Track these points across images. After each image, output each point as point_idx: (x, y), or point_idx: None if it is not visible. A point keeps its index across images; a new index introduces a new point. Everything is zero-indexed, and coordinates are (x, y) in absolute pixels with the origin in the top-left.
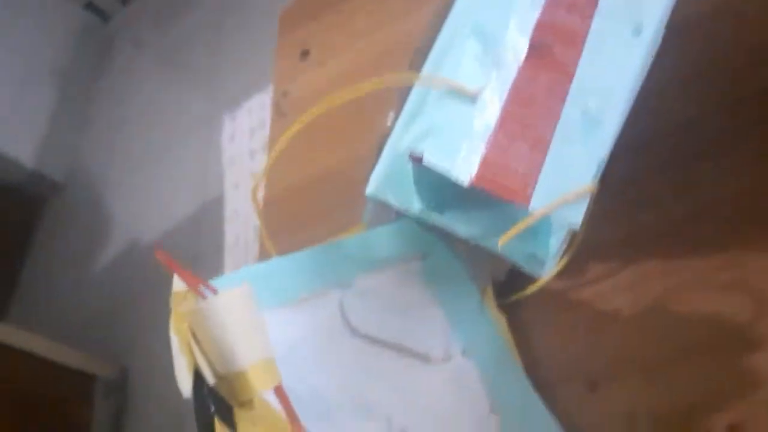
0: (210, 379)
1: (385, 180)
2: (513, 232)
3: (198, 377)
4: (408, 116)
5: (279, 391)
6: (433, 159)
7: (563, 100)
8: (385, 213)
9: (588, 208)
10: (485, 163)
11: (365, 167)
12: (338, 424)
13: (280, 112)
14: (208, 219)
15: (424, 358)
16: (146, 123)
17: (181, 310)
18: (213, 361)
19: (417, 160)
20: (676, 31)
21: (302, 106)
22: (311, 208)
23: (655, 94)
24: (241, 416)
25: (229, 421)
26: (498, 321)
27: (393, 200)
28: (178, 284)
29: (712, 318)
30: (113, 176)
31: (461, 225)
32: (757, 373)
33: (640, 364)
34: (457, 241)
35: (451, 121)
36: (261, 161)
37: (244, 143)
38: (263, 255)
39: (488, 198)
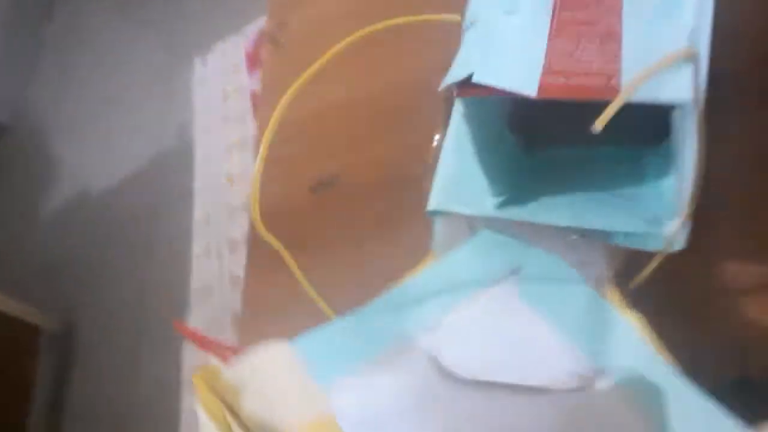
0: None
1: (446, 190)
2: (610, 111)
3: None
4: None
5: None
6: (486, 78)
7: None
8: (458, 230)
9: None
10: (550, 72)
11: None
12: None
13: (277, 43)
14: (170, 167)
15: (552, 392)
16: (103, 69)
17: (209, 385)
18: None
19: (467, 88)
20: None
21: (302, 39)
22: (365, 222)
23: None
24: None
25: None
26: (633, 321)
27: (460, 208)
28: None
29: None
30: (64, 123)
31: (551, 212)
32: None
33: None
34: (550, 240)
35: (497, 44)
36: (234, 106)
37: (217, 87)
38: (230, 207)
39: (571, 168)
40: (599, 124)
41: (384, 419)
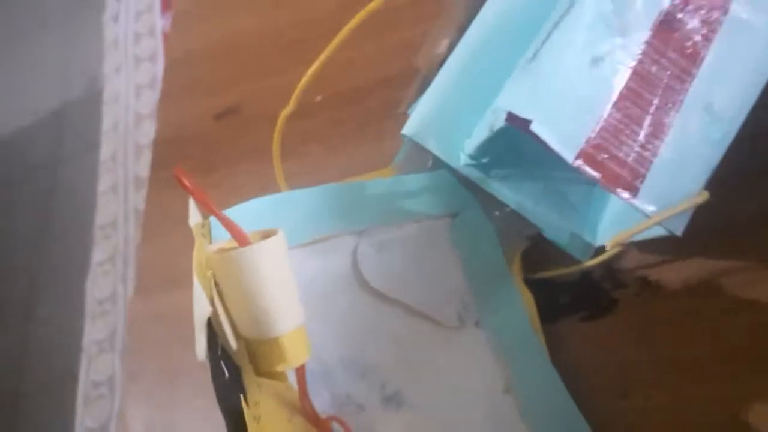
0: (232, 343)
1: (430, 122)
2: (626, 235)
3: (212, 333)
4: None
5: (301, 369)
6: (540, 129)
7: (687, 87)
8: (421, 158)
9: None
10: (595, 143)
11: (395, 92)
12: (331, 376)
13: None
14: (77, 107)
15: (435, 323)
16: (8, 2)
17: (207, 249)
18: (238, 321)
19: (520, 124)
20: None
21: None
22: (328, 136)
23: None
24: (248, 379)
25: (239, 383)
26: (523, 294)
27: (435, 148)
28: (194, 212)
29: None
30: None
31: (506, 189)
32: None
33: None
34: (491, 203)
35: (563, 86)
36: (146, 46)
37: (129, 26)
38: (138, 146)
39: (550, 172)
40: (612, 245)
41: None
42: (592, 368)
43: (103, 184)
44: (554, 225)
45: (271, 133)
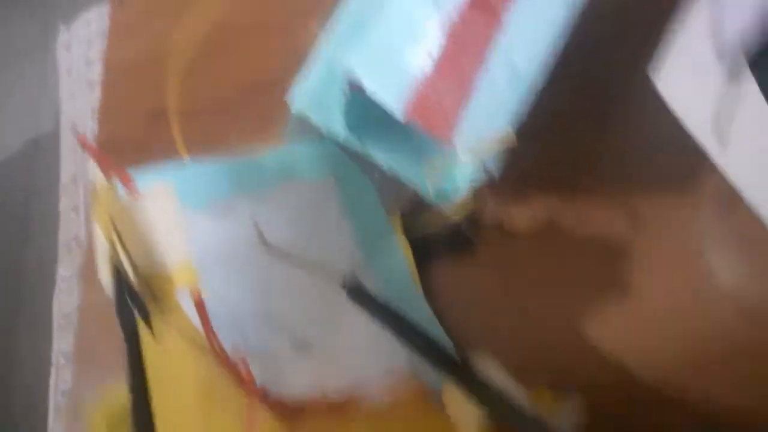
0: (131, 276)
1: (311, 97)
2: (435, 171)
3: (118, 274)
4: (345, 27)
5: (197, 297)
6: (374, 88)
7: (493, 48)
8: (306, 130)
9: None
10: (420, 97)
11: (281, 75)
12: (242, 329)
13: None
14: (39, 135)
15: (330, 274)
16: None
17: (105, 202)
18: (135, 258)
19: (357, 88)
20: None
21: None
22: (223, 119)
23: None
24: (157, 320)
25: (148, 323)
26: (403, 247)
27: (316, 120)
28: (96, 175)
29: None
30: None
31: (380, 153)
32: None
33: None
34: (372, 166)
35: (393, 45)
36: (98, 70)
37: (81, 52)
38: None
39: (410, 132)
40: (429, 179)
41: (202, 257)
42: (458, 302)
43: (64, 204)
44: (419, 179)
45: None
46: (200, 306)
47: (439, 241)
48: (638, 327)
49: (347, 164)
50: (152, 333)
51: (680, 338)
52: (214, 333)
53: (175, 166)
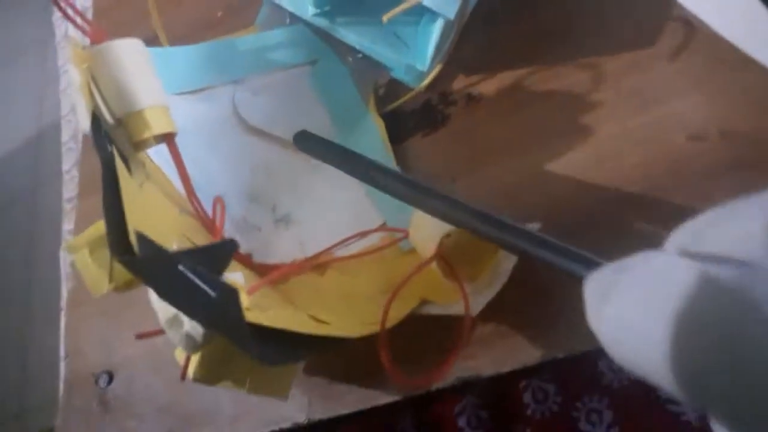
0: (108, 118)
1: None
2: (396, 11)
3: (96, 119)
4: None
5: (171, 142)
6: None
7: None
8: (279, 17)
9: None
10: None
11: None
12: (227, 205)
13: None
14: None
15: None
16: None
17: (81, 52)
18: (111, 102)
19: None
20: None
21: None
22: (200, 11)
23: None
24: (134, 162)
25: (125, 162)
26: (378, 125)
27: (287, 4)
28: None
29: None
30: None
31: (350, 34)
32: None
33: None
34: (345, 50)
35: None
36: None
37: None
38: None
39: (379, 10)
40: (386, 18)
41: (186, 137)
42: (432, 169)
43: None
44: (392, 61)
45: None
46: (174, 150)
47: (411, 117)
48: (595, 165)
49: (322, 49)
50: (129, 171)
51: (635, 164)
52: (187, 177)
53: (155, 51)
